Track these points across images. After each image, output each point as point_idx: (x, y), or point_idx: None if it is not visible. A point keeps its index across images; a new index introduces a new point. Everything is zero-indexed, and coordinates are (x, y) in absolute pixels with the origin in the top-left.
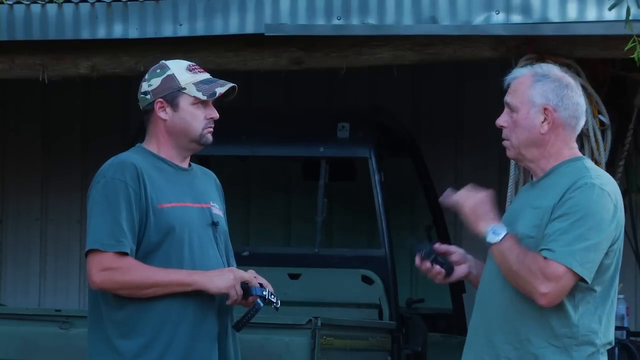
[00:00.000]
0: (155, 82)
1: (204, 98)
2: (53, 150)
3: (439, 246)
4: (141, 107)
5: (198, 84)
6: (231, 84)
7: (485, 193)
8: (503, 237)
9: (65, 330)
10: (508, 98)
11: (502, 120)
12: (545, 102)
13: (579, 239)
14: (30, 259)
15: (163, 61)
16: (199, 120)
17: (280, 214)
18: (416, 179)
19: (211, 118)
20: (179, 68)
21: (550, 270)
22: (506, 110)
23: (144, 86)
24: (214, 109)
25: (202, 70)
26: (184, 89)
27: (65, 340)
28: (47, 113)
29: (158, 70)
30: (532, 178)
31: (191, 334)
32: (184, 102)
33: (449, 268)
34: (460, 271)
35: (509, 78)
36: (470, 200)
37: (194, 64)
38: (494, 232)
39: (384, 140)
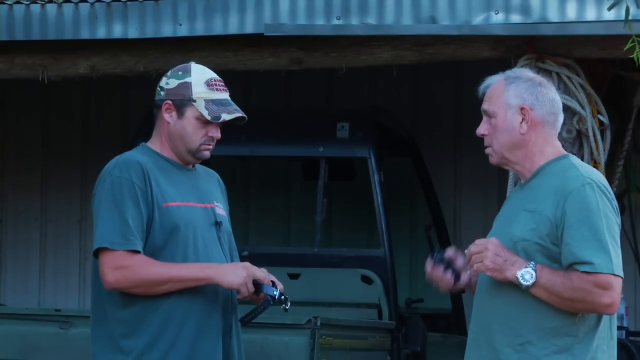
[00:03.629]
0: (173, 82)
1: (208, 118)
2: (52, 150)
3: (449, 253)
4: (155, 99)
5: (209, 102)
6: (240, 114)
7: (493, 240)
8: (536, 275)
9: (65, 330)
10: (485, 106)
11: (482, 129)
12: (520, 102)
13: (606, 243)
14: (29, 258)
15: (192, 63)
16: (199, 134)
17: (280, 213)
18: (416, 179)
19: (212, 137)
20: (199, 79)
21: (602, 281)
22: (485, 118)
23: (163, 81)
24: (218, 129)
25: (222, 88)
26: (194, 101)
27: (65, 340)
28: (47, 113)
29: (180, 72)
30: (520, 180)
31: (195, 333)
32: (189, 113)
33: (457, 276)
34: (464, 279)
35: (482, 87)
36: (486, 261)
37: (217, 79)
38: (524, 275)
39: (384, 140)
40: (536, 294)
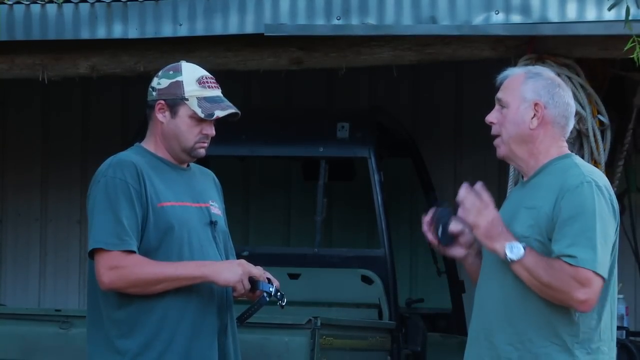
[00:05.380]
0: (164, 82)
1: (201, 116)
2: (53, 150)
3: (454, 225)
4: (147, 99)
5: (201, 100)
6: (233, 110)
7: (494, 210)
8: (524, 253)
9: (65, 330)
10: (500, 94)
11: (492, 117)
12: (536, 98)
13: (594, 241)
14: (29, 259)
15: (182, 62)
16: (193, 133)
17: (280, 213)
18: (416, 179)
19: (206, 134)
20: (190, 77)
21: (582, 276)
22: (497, 107)
23: (155, 82)
24: (212, 126)
25: (214, 85)
26: (187, 99)
27: (65, 340)
28: (47, 113)
29: (171, 72)
30: (522, 178)
31: (191, 333)
32: (182, 112)
33: (446, 241)
34: (457, 252)
35: (501, 76)
36: (482, 220)
37: (209, 76)
38: (513, 249)
39: (384, 140)
40: (517, 272)
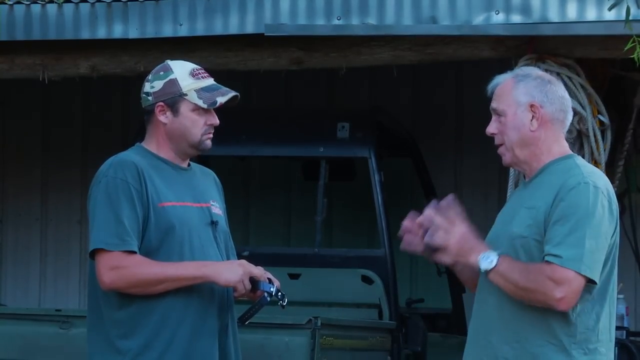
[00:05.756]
0: (158, 84)
1: (205, 106)
2: (53, 151)
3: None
4: (143, 106)
5: (200, 91)
6: (233, 93)
7: (463, 224)
8: (497, 261)
9: (65, 330)
10: (494, 104)
11: (492, 128)
12: (530, 100)
13: (583, 241)
14: (30, 259)
15: (168, 62)
16: (198, 126)
17: (280, 213)
18: (416, 179)
19: (211, 124)
20: (182, 72)
21: (559, 275)
22: (494, 117)
23: (147, 87)
24: (214, 115)
25: (206, 75)
26: (185, 95)
27: (65, 340)
28: (47, 113)
29: (161, 73)
30: (524, 178)
31: (192, 333)
32: (184, 108)
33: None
34: (444, 258)
35: (491, 85)
36: (451, 239)
37: (198, 68)
38: (486, 259)
39: (384, 140)
40: (495, 281)
